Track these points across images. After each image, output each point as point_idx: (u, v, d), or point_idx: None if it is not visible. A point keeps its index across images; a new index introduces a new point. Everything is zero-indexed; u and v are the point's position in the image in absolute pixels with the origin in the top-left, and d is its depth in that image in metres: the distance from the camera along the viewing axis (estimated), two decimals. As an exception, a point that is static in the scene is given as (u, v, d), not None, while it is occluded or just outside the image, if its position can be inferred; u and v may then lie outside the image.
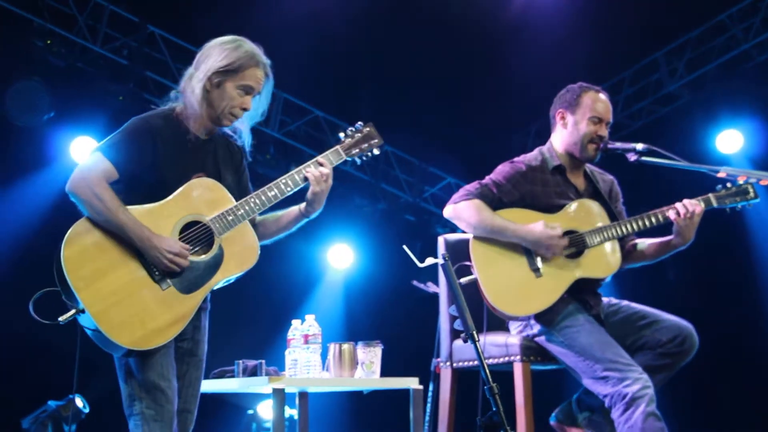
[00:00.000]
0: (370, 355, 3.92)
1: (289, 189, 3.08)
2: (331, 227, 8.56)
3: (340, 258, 8.80)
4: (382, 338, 3.99)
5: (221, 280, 2.97)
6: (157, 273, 2.86)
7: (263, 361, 3.79)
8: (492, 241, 3.72)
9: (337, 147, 3.20)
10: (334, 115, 8.16)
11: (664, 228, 3.73)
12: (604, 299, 3.81)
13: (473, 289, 3.63)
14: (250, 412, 6.98)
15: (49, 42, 6.61)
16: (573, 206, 3.79)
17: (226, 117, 3.03)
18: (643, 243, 3.87)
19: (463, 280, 3.49)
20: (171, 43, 7.29)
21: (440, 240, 4.08)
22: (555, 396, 4.22)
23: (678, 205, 3.68)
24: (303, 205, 3.17)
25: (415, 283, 5.37)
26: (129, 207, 2.88)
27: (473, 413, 3.17)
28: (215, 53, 3.02)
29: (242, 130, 3.15)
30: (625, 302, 3.79)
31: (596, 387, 3.51)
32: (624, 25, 7.31)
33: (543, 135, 4.01)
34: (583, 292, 3.71)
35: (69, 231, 2.82)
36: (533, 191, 3.80)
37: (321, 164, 3.13)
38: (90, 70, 6.90)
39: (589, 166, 3.93)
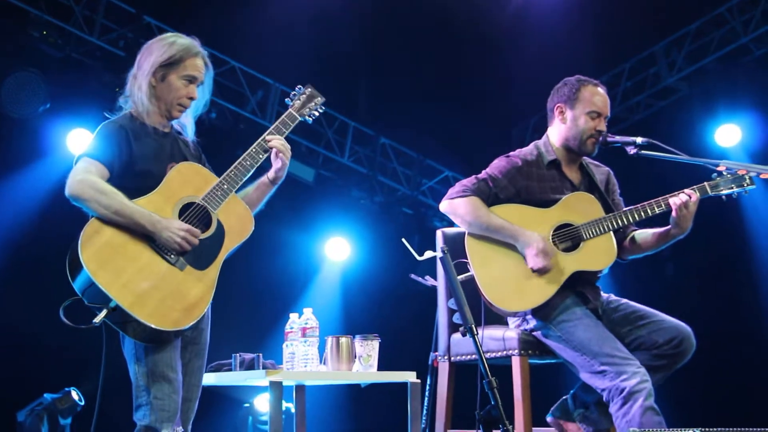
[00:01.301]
0: (368, 349, 3.91)
1: (261, 157, 3.27)
2: (328, 220, 8.55)
3: (338, 251, 8.78)
4: (380, 331, 3.98)
5: (228, 250, 3.13)
6: (171, 256, 2.98)
7: (260, 354, 3.79)
8: (487, 237, 3.71)
9: (290, 110, 3.43)
10: (332, 108, 8.14)
11: (662, 217, 3.72)
12: (604, 295, 3.80)
13: (471, 283, 3.62)
14: (247, 405, 6.98)
15: (45, 33, 6.58)
16: (569, 199, 3.78)
17: (175, 108, 3.21)
18: (641, 234, 3.86)
19: (460, 277, 3.48)
20: (168, 34, 7.26)
21: (438, 233, 4.07)
22: (553, 390, 4.21)
23: (673, 195, 3.67)
24: (271, 172, 3.35)
25: (413, 276, 5.36)
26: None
27: (471, 407, 3.16)
28: (155, 50, 3.22)
29: (186, 124, 3.32)
30: (624, 300, 3.78)
31: (594, 381, 3.51)
32: (622, 17, 7.29)
33: (541, 128, 4.00)
34: (580, 285, 3.70)
35: (81, 236, 2.88)
36: (529, 186, 3.78)
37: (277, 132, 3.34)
38: (86, 61, 6.87)
39: (584, 159, 3.92)
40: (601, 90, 3.83)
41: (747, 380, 7.17)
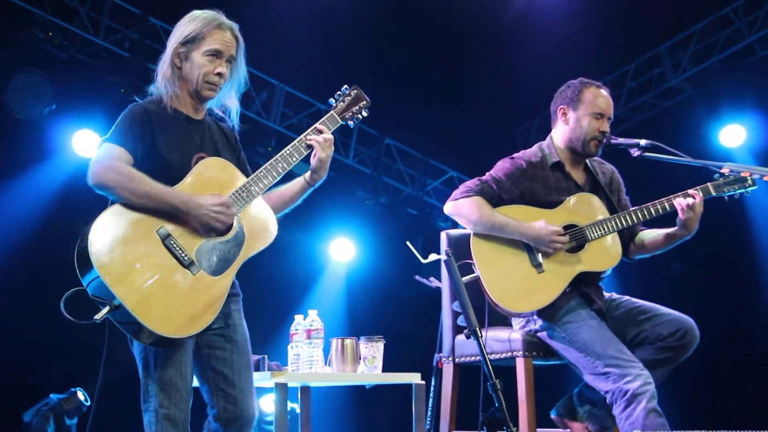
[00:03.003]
0: (373, 350, 3.92)
1: (294, 160, 3.07)
2: (332, 221, 8.55)
3: (342, 252, 8.79)
4: (384, 333, 3.99)
5: (246, 257, 2.96)
6: (185, 258, 2.82)
7: (266, 356, 3.79)
8: (493, 237, 3.72)
9: (332, 112, 3.23)
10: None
11: (669, 217, 3.72)
12: (606, 294, 3.81)
13: (475, 285, 3.62)
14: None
15: (50, 34, 6.59)
16: (572, 200, 3.79)
17: (204, 87, 3.01)
18: (648, 234, 3.87)
19: (465, 278, 3.48)
20: (173, 35, 7.26)
21: (443, 235, 4.07)
22: (557, 391, 4.21)
23: (677, 195, 3.68)
24: (308, 174, 3.17)
25: (417, 277, 5.37)
26: None
27: (475, 408, 3.16)
28: (179, 29, 3.06)
29: (231, 108, 3.14)
30: (626, 297, 3.79)
31: (597, 383, 3.51)
32: (627, 18, 7.28)
33: (545, 129, 4.01)
34: (585, 286, 3.71)
35: (91, 229, 2.73)
36: (533, 188, 3.79)
37: (321, 131, 3.14)
38: (92, 63, 6.88)
39: (588, 159, 3.92)
40: (604, 92, 3.83)
41: (752, 381, 7.16)
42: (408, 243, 3.34)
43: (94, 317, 2.71)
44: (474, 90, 8.16)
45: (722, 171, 3.69)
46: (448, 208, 3.81)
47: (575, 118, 3.81)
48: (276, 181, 3.04)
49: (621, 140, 3.78)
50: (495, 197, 3.76)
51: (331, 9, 6.99)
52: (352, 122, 3.29)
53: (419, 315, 6.96)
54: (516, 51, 7.50)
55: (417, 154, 9.00)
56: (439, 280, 4.31)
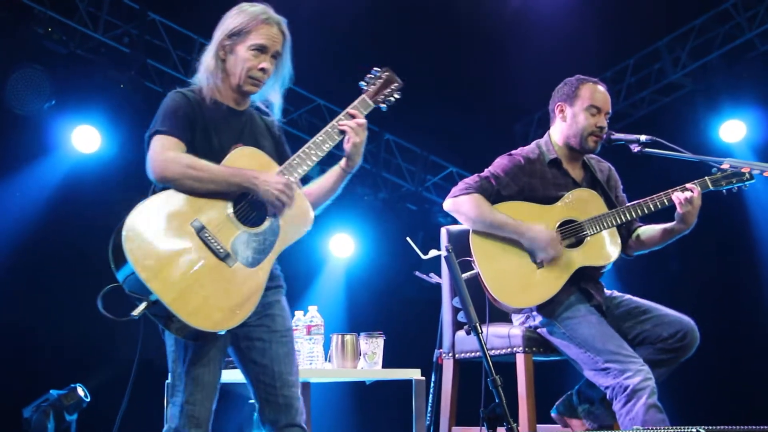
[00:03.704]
0: (373, 346, 3.92)
1: (327, 147, 3.00)
2: (332, 216, 8.53)
3: (342, 247, 8.78)
4: (384, 329, 4.00)
5: (283, 247, 2.91)
6: (221, 251, 2.76)
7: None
8: (492, 234, 3.72)
9: (363, 96, 3.14)
10: (336, 104, 8.13)
11: (667, 212, 3.72)
12: (607, 291, 3.81)
13: (475, 281, 3.63)
14: (252, 401, 6.99)
15: (49, 29, 6.57)
16: (571, 196, 3.79)
17: (246, 82, 2.97)
18: (646, 230, 3.88)
19: (465, 275, 3.49)
20: (172, 30, 7.25)
21: (443, 231, 4.08)
22: (557, 387, 4.22)
23: (675, 189, 3.68)
24: (343, 161, 3.11)
25: (417, 273, 5.36)
26: None
27: (475, 404, 3.16)
28: (226, 21, 3.00)
29: (274, 103, 3.10)
30: (627, 296, 3.80)
31: (598, 379, 3.52)
32: (627, 13, 7.27)
33: (545, 125, 4.02)
34: (584, 282, 3.71)
35: (125, 223, 2.68)
36: (532, 184, 3.79)
37: (353, 115, 3.08)
38: (91, 58, 6.87)
39: (586, 155, 3.93)
40: (600, 87, 3.84)
41: (751, 378, 7.17)
42: (408, 239, 3.33)
43: (131, 314, 2.66)
44: (473, 86, 8.14)
45: (722, 167, 3.69)
46: (448, 204, 3.82)
47: (572, 114, 3.81)
48: (311, 167, 2.97)
49: (621, 136, 3.79)
50: (494, 194, 3.77)
51: (331, 5, 6.98)
52: (384, 105, 3.20)
53: (419, 311, 6.96)
54: (516, 47, 7.49)
55: (417, 150, 8.99)
56: (439, 276, 4.31)
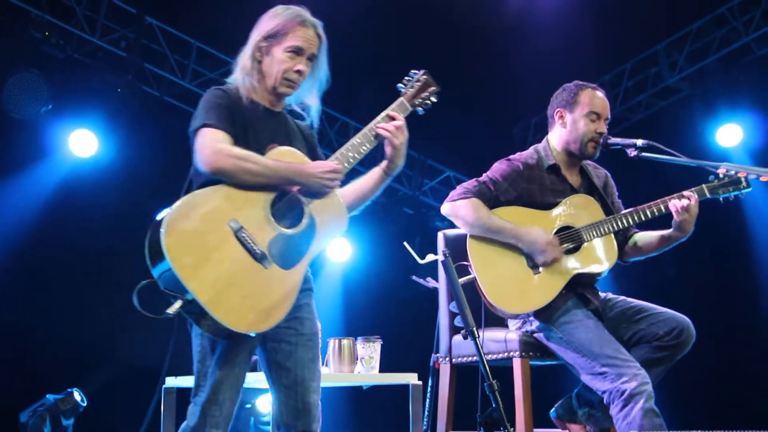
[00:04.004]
0: (370, 351, 3.92)
1: (365, 150, 2.99)
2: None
3: (339, 252, 8.78)
4: (381, 333, 4.00)
5: (318, 250, 2.88)
6: (258, 252, 2.72)
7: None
8: (489, 239, 3.72)
9: (401, 99, 3.11)
10: (333, 108, 8.14)
11: (664, 219, 3.73)
12: (602, 294, 3.82)
13: (472, 286, 3.63)
14: (249, 405, 6.98)
15: (47, 33, 6.58)
16: (569, 202, 3.79)
17: (282, 84, 2.96)
18: (643, 236, 3.88)
19: (462, 280, 3.49)
20: (169, 34, 7.26)
21: (440, 235, 4.08)
22: (554, 392, 4.22)
23: (672, 197, 3.68)
24: (384, 163, 3.09)
25: (414, 278, 5.37)
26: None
27: (472, 408, 3.17)
28: (262, 23, 3.00)
29: (311, 105, 3.09)
30: (621, 297, 3.80)
31: (594, 383, 3.52)
32: (624, 17, 7.28)
33: (543, 128, 4.01)
34: (581, 287, 3.71)
35: (166, 219, 2.63)
36: (530, 189, 3.79)
37: (393, 118, 3.06)
38: (88, 62, 6.88)
39: (583, 161, 3.93)
40: (599, 93, 3.85)
41: (748, 382, 7.17)
42: (405, 243, 3.33)
43: (167, 311, 2.62)
44: (471, 89, 8.14)
45: (719, 171, 3.69)
46: (446, 208, 3.81)
47: (572, 120, 3.81)
48: (349, 168, 2.96)
49: (618, 140, 3.78)
50: (492, 198, 3.77)
51: (328, 7, 6.98)
52: (421, 108, 3.16)
53: (416, 315, 6.97)
54: (513, 51, 7.50)
55: (414, 154, 8.99)
56: (436, 280, 4.31)
